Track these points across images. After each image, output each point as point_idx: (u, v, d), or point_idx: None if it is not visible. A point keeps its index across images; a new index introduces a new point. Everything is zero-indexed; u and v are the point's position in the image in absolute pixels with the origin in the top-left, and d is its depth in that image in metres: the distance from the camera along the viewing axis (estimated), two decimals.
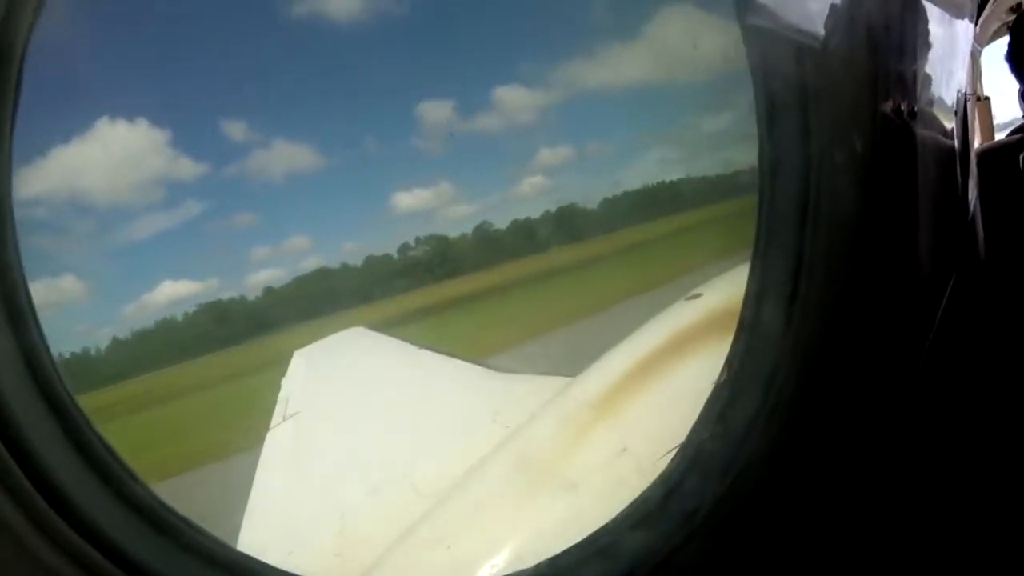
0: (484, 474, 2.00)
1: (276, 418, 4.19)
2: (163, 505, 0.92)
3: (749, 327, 0.92)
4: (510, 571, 1.17)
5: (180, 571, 0.90)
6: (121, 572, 0.81)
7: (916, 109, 0.96)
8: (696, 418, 0.96)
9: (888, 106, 0.88)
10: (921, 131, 0.98)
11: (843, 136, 0.85)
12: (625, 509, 0.97)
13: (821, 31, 0.83)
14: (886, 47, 0.89)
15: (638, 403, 1.90)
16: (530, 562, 1.02)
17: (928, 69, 1.04)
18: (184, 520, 0.94)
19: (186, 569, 0.91)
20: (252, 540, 2.67)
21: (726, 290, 2.05)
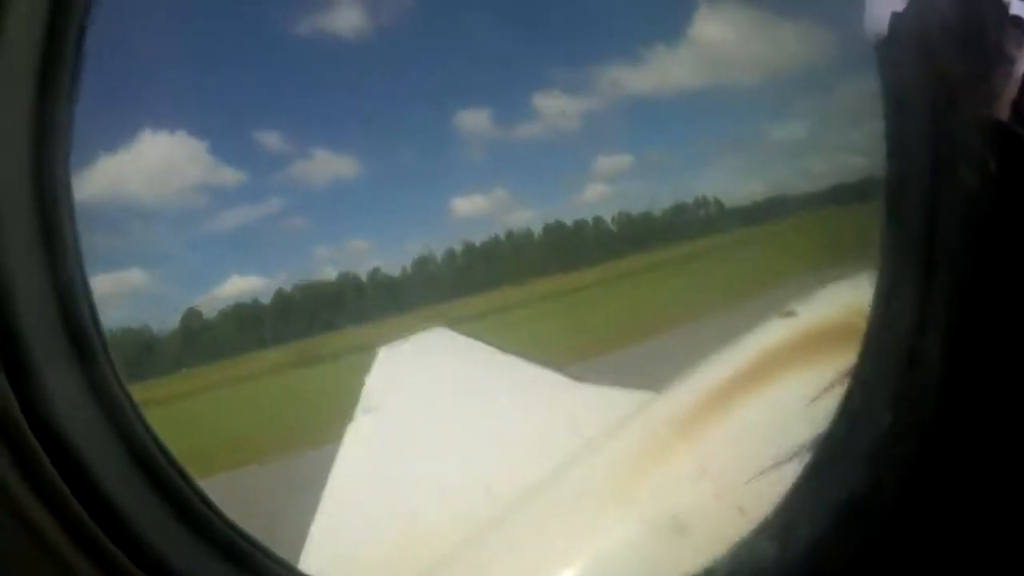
0: (559, 486, 1.97)
1: (357, 412, 4.29)
2: (237, 531, 0.93)
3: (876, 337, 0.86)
4: None
5: None
6: None
7: None
8: (811, 444, 0.90)
9: (1012, 117, 0.81)
10: None
11: (970, 148, 0.79)
12: (730, 556, 0.92)
13: (956, 54, 0.78)
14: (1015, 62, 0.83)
15: (722, 425, 1.82)
16: None
17: None
18: (257, 545, 0.95)
19: None
20: (324, 529, 2.73)
21: (821, 308, 1.95)
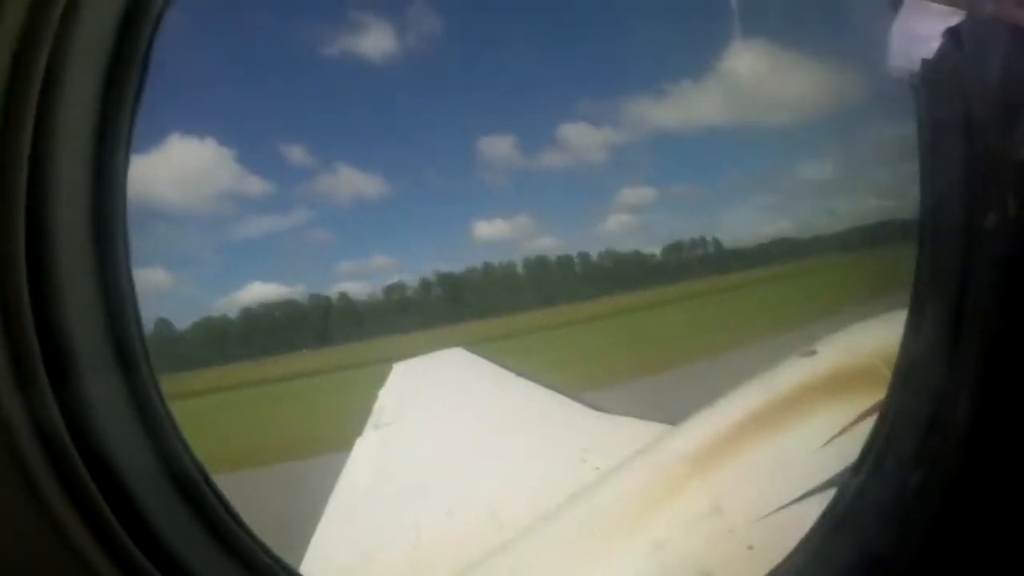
0: (568, 516, 1.94)
1: (368, 426, 4.29)
2: (263, 547, 0.93)
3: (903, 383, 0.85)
4: None
5: None
6: None
7: None
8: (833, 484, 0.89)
9: None
10: None
11: (1000, 193, 0.78)
12: None
13: (986, 96, 0.78)
14: None
15: (736, 463, 1.79)
16: None
17: None
18: (283, 564, 0.95)
19: None
20: (327, 540, 2.72)
21: (842, 349, 1.92)
